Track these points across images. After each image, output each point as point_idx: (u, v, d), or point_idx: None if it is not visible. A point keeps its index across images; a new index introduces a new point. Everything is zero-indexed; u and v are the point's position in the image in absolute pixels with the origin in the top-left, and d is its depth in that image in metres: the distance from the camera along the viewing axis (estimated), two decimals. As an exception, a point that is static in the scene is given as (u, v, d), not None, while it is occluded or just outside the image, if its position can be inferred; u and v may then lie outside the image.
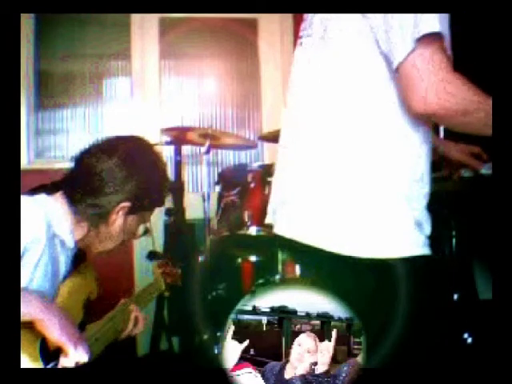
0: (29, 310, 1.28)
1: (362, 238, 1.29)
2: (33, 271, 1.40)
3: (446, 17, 1.25)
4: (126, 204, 1.50)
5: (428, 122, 1.35)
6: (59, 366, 1.33)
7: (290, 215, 1.40)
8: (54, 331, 1.29)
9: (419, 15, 1.21)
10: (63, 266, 1.53)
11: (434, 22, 1.22)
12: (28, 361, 1.31)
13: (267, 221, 1.52)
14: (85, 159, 1.51)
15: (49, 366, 1.33)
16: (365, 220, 1.30)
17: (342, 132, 1.32)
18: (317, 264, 1.38)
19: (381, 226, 1.30)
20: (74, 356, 1.31)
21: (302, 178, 1.38)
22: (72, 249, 1.53)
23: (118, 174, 1.48)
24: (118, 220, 1.51)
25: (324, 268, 1.37)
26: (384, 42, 1.26)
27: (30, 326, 1.29)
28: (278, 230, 1.44)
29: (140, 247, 3.12)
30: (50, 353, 1.33)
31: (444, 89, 1.21)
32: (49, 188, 1.52)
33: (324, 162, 1.34)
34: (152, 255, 2.20)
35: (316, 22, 1.40)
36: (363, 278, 1.31)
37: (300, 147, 1.40)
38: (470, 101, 1.24)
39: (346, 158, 1.31)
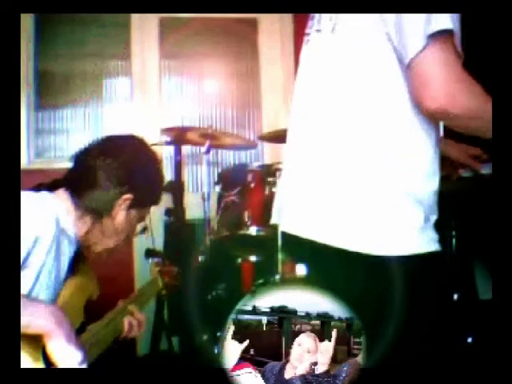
0: (36, 321, 1.26)
1: (373, 235, 1.27)
2: (41, 266, 1.41)
3: (457, 15, 1.24)
4: (129, 196, 1.54)
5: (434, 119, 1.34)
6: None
7: (301, 212, 1.37)
8: (57, 343, 1.27)
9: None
10: (66, 265, 1.53)
11: (447, 20, 1.21)
12: (30, 362, 1.31)
13: (273, 221, 1.51)
14: (84, 156, 1.56)
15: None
16: (375, 216, 1.28)
17: (352, 128, 1.31)
18: (319, 264, 1.38)
19: (394, 223, 1.28)
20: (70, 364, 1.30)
21: (312, 175, 1.36)
22: (74, 245, 1.55)
23: (118, 168, 1.53)
24: (121, 213, 1.55)
25: (325, 268, 1.37)
26: (395, 37, 1.25)
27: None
28: (286, 228, 1.42)
29: (140, 247, 3.11)
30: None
31: (455, 88, 1.21)
32: (49, 185, 1.56)
33: (335, 159, 1.32)
34: (149, 253, 2.20)
35: (325, 17, 1.39)
36: (363, 277, 1.31)
37: (310, 144, 1.38)
38: (478, 103, 1.24)
39: (357, 154, 1.30)
